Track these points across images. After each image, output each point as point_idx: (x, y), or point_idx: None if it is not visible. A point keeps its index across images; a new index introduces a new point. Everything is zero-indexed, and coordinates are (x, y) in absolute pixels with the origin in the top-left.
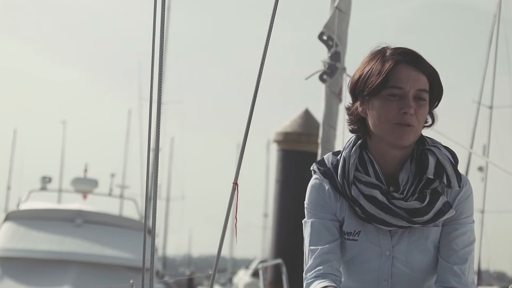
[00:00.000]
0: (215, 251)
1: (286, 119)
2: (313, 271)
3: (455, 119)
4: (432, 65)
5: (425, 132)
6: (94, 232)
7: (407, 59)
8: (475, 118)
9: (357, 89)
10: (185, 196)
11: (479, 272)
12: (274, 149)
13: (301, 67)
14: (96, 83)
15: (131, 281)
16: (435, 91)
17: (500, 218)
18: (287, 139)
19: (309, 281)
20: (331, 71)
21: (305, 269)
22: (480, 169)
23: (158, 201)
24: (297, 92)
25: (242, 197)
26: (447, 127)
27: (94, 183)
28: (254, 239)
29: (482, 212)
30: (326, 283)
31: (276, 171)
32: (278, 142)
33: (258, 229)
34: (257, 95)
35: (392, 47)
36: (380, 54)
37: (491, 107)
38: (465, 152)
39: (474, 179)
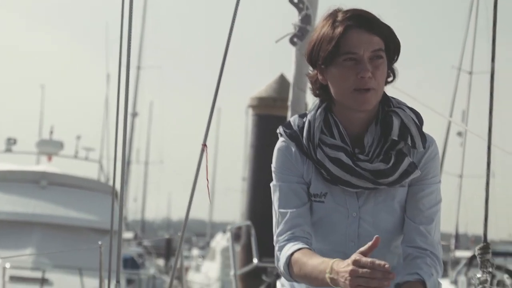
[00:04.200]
0: (195, 215)
1: (262, 84)
2: (285, 235)
3: (434, 85)
4: (384, 22)
5: (404, 98)
6: (59, 194)
7: (357, 22)
8: (455, 84)
9: (313, 58)
10: (163, 160)
11: (457, 236)
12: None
13: (275, 31)
14: (72, 48)
15: (100, 243)
16: (392, 47)
17: (478, 183)
18: (262, 104)
19: (281, 244)
20: (302, 34)
21: (275, 232)
22: (459, 134)
23: (136, 165)
24: (273, 57)
25: (222, 161)
26: (426, 92)
27: (59, 145)
28: (234, 203)
29: (461, 176)
30: (299, 245)
31: (251, 136)
32: (253, 107)
33: (237, 193)
34: (227, 57)
35: (344, 9)
36: (331, 19)
37: (470, 73)
38: (444, 119)
39: (453, 144)
